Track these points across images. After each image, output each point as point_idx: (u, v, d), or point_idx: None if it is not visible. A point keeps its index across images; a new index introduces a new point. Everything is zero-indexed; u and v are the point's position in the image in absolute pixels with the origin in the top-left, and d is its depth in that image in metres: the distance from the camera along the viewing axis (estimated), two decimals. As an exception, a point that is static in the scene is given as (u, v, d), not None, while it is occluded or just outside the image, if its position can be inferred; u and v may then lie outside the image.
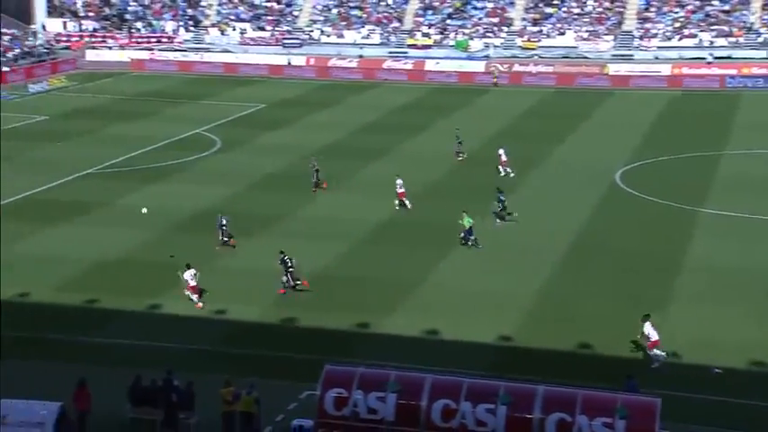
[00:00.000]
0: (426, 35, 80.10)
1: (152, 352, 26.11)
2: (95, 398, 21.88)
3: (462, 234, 34.10)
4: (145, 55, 78.54)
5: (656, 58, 73.48)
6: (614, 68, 70.96)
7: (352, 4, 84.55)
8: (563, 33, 78.52)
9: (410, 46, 78.95)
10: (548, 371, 24.58)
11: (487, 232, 35.90)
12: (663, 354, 25.29)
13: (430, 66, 74.10)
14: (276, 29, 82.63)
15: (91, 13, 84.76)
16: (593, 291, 30.41)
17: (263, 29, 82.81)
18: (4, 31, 75.48)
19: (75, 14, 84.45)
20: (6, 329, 27.19)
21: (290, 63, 76.24)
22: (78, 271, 31.84)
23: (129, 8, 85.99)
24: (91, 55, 78.69)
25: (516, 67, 72.66)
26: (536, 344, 26.70)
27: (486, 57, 76.14)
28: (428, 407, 20.01)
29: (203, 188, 42.26)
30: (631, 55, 75.08)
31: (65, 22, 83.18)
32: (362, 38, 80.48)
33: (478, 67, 73.23)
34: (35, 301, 29.32)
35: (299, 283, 30.12)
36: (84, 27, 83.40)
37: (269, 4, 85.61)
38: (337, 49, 78.45)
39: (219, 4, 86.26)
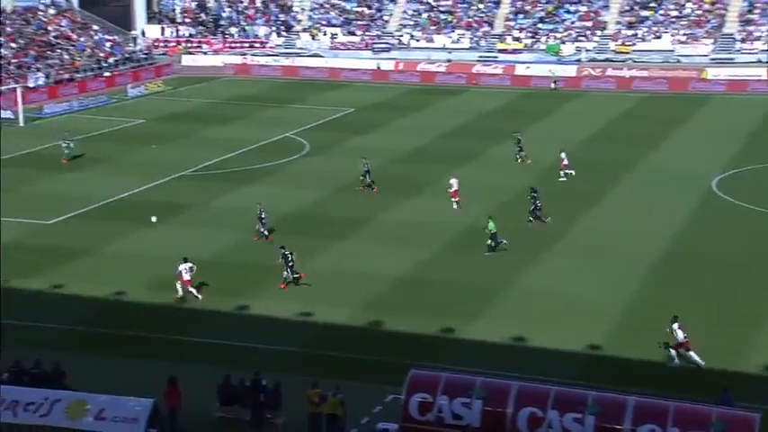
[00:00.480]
0: (517, 39, 79.41)
1: (241, 352, 26.48)
2: (185, 395, 22.35)
3: (489, 242, 33.68)
4: (238, 60, 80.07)
5: (759, 61, 71.08)
6: (713, 73, 68.95)
7: (442, 9, 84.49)
8: (659, 37, 76.72)
9: (500, 50, 78.41)
10: (638, 381, 24.00)
11: (577, 237, 35.31)
12: (694, 356, 24.75)
13: (520, 70, 73.42)
14: (366, 33, 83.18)
15: (188, 19, 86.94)
16: (687, 300, 29.56)
17: (353, 33, 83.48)
18: (106, 37, 78.09)
19: (172, 21, 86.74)
20: (103, 327, 28.07)
21: (379, 67, 76.62)
22: (171, 271, 32.58)
23: (224, 14, 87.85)
24: (187, 60, 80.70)
25: (609, 71, 71.37)
26: (626, 353, 26.10)
27: (578, 61, 75.03)
28: (514, 414, 19.75)
29: (292, 191, 42.80)
30: (732, 58, 72.82)
31: (163, 28, 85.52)
32: (452, 42, 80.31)
33: (570, 71, 72.25)
34: (130, 300, 30.14)
35: (297, 276, 30.80)
36: (180, 33, 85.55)
37: (359, 9, 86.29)
38: (426, 53, 78.50)
39: (311, 10, 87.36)
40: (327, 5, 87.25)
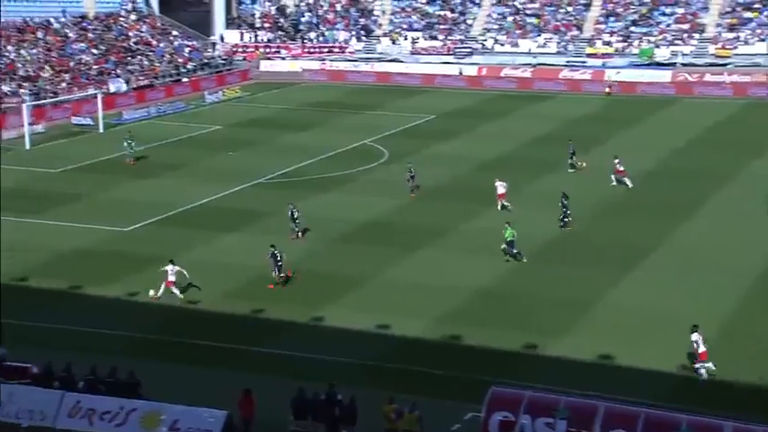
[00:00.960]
0: (607, 43, 78.22)
1: (315, 364, 26.59)
2: (259, 407, 22.54)
3: (503, 246, 33.75)
4: (316, 65, 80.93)
5: None
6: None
7: (528, 12, 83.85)
8: (764, 40, 74.53)
9: (589, 55, 77.35)
10: (735, 405, 23.20)
11: (672, 249, 34.46)
12: (712, 367, 24.56)
13: (610, 75, 72.30)
14: (449, 38, 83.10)
15: (266, 25, 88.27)
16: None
17: (435, 38, 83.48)
18: (185, 43, 79.90)
19: (251, 26, 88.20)
20: (178, 335, 28.56)
21: (461, 73, 76.45)
22: (246, 280, 33.00)
23: (303, 19, 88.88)
24: (265, 65, 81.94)
25: (708, 77, 69.71)
26: (722, 375, 25.28)
27: (674, 65, 73.47)
28: (601, 437, 19.31)
29: (371, 199, 42.92)
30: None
31: (242, 34, 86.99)
32: (538, 47, 79.59)
33: (664, 77, 70.81)
34: (205, 309, 30.59)
35: (282, 276, 31.67)
36: (259, 38, 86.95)
37: (442, 13, 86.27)
38: (511, 58, 77.98)
39: (392, 14, 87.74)
40: (409, 9, 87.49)
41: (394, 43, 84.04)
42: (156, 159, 50.72)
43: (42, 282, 32.43)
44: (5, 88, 60.71)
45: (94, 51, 72.00)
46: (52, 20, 73.52)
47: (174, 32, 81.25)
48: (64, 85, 64.54)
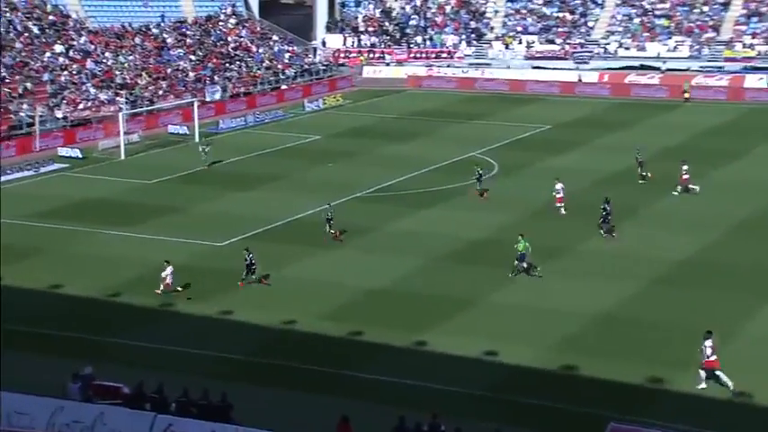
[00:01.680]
0: (749, 46, 75.87)
1: (417, 392, 26.51)
2: (356, 436, 22.60)
3: (516, 262, 34.29)
4: (422, 71, 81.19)
5: None
6: None
7: (658, 13, 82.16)
8: None
9: (727, 59, 75.18)
10: None
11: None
12: (729, 383, 24.96)
13: (750, 82, 70.01)
14: (567, 42, 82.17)
15: (371, 28, 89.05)
16: None
17: (552, 42, 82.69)
18: (285, 48, 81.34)
19: (354, 30, 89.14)
20: (272, 357, 28.92)
21: (580, 79, 75.49)
22: (343, 299, 33.22)
23: (411, 22, 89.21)
24: (368, 71, 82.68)
25: None
26: None
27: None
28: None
29: (479, 215, 42.68)
30: None
31: (344, 38, 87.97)
32: (668, 50, 77.87)
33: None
34: (300, 330, 30.92)
35: (258, 280, 33.63)
36: (362, 42, 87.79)
37: (561, 15, 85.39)
38: (637, 62, 76.53)
39: (506, 16, 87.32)
40: (524, 11, 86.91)
41: (507, 48, 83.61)
42: (253, 170, 51.69)
43: (133, 298, 33.36)
44: (103, 96, 62.98)
45: (192, 57, 74.02)
46: (151, 25, 76.00)
47: (274, 37, 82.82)
48: (160, 92, 66.56)
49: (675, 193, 44.07)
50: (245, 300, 33.09)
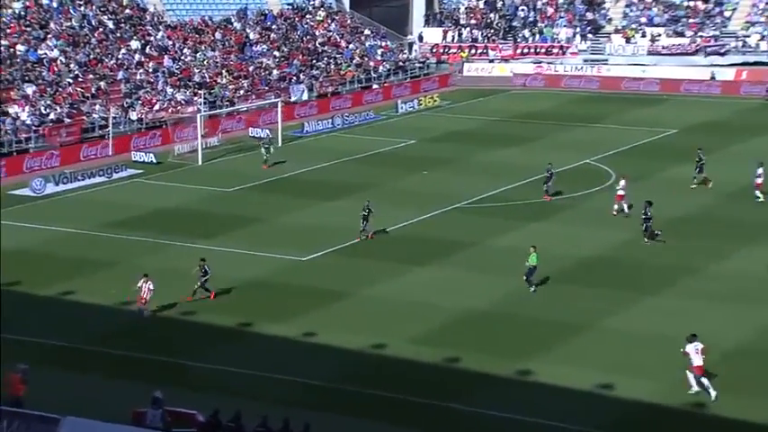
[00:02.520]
0: None
1: (521, 428, 26.28)
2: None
3: (524, 277, 34.97)
4: (530, 68, 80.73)
5: None
6: None
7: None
8: None
9: None
10: None
11: None
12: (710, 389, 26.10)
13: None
14: (699, 34, 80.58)
15: (473, 21, 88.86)
16: None
17: (681, 34, 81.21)
18: (377, 43, 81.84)
19: (455, 23, 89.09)
20: (357, 384, 28.94)
21: (713, 77, 73.94)
22: (438, 322, 33.11)
23: (518, 14, 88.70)
24: (469, 69, 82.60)
25: None
26: None
27: None
28: None
29: (592, 231, 42.16)
30: None
31: (444, 32, 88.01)
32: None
33: None
34: (389, 355, 30.90)
35: (206, 293, 34.53)
36: (464, 37, 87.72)
37: (691, 4, 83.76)
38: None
39: (627, 6, 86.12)
40: (648, 0, 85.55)
41: (628, 42, 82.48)
42: (341, 178, 52.04)
43: (209, 316, 33.84)
44: (180, 97, 64.31)
45: (276, 54, 75.05)
46: (233, 18, 77.31)
47: (366, 31, 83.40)
48: (241, 92, 67.65)
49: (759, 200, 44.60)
50: (330, 320, 33.26)
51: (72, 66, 63.46)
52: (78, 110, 59.42)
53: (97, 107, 60.12)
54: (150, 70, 66.49)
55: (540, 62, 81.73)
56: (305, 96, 70.74)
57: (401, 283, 36.82)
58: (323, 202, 47.81)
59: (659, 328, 32.11)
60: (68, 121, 58.07)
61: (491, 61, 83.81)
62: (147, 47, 69.26)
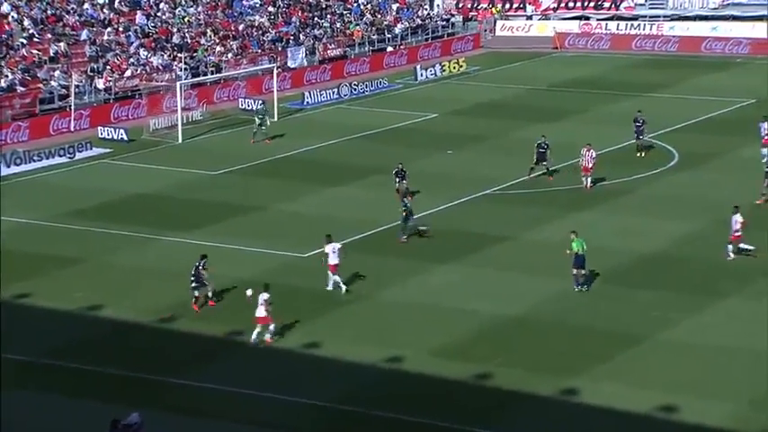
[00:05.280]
0: None
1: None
2: None
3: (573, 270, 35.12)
4: (575, 26, 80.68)
5: None
6: None
7: None
8: None
9: None
10: None
11: None
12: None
13: None
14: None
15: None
16: None
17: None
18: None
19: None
20: (374, 406, 29.04)
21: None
22: (466, 331, 33.12)
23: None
24: (502, 27, 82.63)
25: None
26: None
27: None
28: None
29: (651, 221, 42.19)
30: None
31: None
32: None
33: None
34: (409, 370, 30.93)
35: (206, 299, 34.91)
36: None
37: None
38: None
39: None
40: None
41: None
42: (348, 159, 52.14)
43: (194, 324, 33.96)
44: (155, 61, 64.44)
45: (270, 9, 75.14)
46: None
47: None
48: (229, 56, 67.75)
49: None
50: (337, 329, 33.37)
51: (26, 23, 63.67)
52: (34, 76, 59.61)
53: (56, 73, 60.28)
54: (120, 29, 66.65)
55: (589, 18, 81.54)
56: (305, 61, 70.79)
57: (421, 285, 36.88)
58: (327, 187, 47.89)
59: (734, 339, 32.08)
60: (22, 89, 58.26)
61: (529, 18, 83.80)
62: (117, 1, 69.44)
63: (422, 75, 71.15)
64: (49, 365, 31.19)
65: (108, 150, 54.44)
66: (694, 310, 34.17)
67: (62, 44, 62.80)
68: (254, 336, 32.25)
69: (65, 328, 33.87)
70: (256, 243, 40.76)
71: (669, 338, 32.45)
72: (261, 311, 32.18)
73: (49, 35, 63.40)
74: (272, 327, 32.35)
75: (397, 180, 44.91)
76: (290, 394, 29.60)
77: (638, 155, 50.93)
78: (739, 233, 37.84)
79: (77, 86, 59.42)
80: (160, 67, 63.94)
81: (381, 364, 31.31)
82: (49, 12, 65.47)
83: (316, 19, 75.77)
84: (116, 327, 33.89)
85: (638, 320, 33.60)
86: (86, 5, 67.58)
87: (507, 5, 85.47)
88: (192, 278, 34.74)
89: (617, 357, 31.27)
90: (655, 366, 30.85)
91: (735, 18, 78.17)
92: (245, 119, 59.26)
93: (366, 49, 75.33)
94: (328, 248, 35.69)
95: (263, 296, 32.26)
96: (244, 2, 75.06)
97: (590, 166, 45.79)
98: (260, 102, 59.64)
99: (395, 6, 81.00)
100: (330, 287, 35.87)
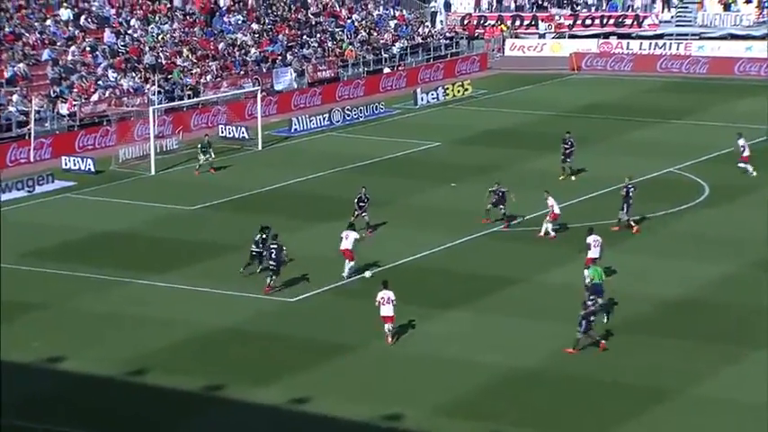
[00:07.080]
0: None
1: None
2: None
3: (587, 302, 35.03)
4: (593, 45, 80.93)
5: None
6: None
7: None
8: None
9: None
10: None
11: None
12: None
13: None
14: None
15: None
16: None
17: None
18: (390, 12, 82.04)
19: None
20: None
21: None
22: (472, 386, 33.04)
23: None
24: (512, 47, 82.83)
25: None
26: None
27: None
28: None
29: (681, 262, 42.18)
30: None
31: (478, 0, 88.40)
32: None
33: None
34: (408, 429, 30.76)
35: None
36: (504, 5, 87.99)
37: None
38: None
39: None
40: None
41: (727, 9, 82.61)
42: (341, 192, 52.05)
43: (168, 378, 33.83)
44: (126, 84, 64.53)
45: (254, 27, 75.32)
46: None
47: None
48: (209, 78, 67.89)
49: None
50: (328, 382, 33.23)
51: (-19, 42, 63.76)
52: (-10, 101, 59.69)
53: (14, 97, 60.34)
54: (86, 48, 66.77)
55: (609, 36, 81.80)
56: (293, 84, 70.93)
57: (422, 333, 36.78)
58: (316, 223, 47.91)
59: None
60: (-24, 115, 58.33)
61: (541, 36, 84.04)
62: (82, 17, 69.64)
63: (422, 99, 71.30)
64: (2, 426, 30.99)
65: (72, 183, 54.44)
66: (729, 362, 34.13)
67: (21, 65, 62.85)
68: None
69: (20, 383, 33.63)
70: (237, 286, 40.66)
71: (701, 394, 32.36)
72: (389, 310, 35.15)
73: (6, 55, 63.39)
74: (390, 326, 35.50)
75: (357, 209, 45.49)
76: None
77: (561, 178, 52.38)
78: None
79: (38, 112, 59.47)
80: (131, 91, 64.05)
81: (377, 421, 31.22)
82: (6, 29, 65.52)
83: (305, 37, 75.99)
84: (79, 381, 33.69)
85: (666, 373, 33.50)
86: (48, 22, 67.76)
87: (517, 22, 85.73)
88: (272, 261, 38.73)
89: (642, 415, 31.15)
90: (685, 425, 30.79)
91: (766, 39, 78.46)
92: (225, 147, 59.29)
93: (360, 70, 75.56)
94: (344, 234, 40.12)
95: (388, 294, 35.20)
96: (224, 18, 75.26)
97: (557, 211, 45.52)
98: (205, 135, 58.61)
99: (392, 23, 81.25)
100: (345, 274, 39.85)
